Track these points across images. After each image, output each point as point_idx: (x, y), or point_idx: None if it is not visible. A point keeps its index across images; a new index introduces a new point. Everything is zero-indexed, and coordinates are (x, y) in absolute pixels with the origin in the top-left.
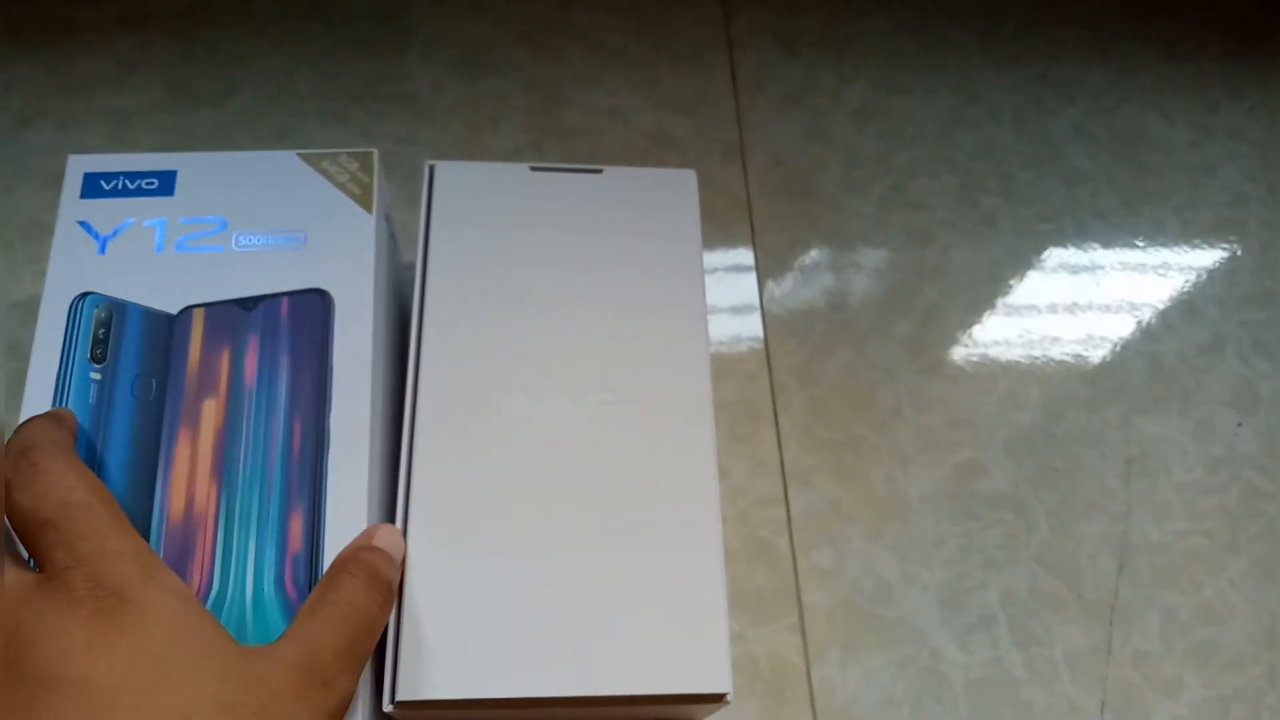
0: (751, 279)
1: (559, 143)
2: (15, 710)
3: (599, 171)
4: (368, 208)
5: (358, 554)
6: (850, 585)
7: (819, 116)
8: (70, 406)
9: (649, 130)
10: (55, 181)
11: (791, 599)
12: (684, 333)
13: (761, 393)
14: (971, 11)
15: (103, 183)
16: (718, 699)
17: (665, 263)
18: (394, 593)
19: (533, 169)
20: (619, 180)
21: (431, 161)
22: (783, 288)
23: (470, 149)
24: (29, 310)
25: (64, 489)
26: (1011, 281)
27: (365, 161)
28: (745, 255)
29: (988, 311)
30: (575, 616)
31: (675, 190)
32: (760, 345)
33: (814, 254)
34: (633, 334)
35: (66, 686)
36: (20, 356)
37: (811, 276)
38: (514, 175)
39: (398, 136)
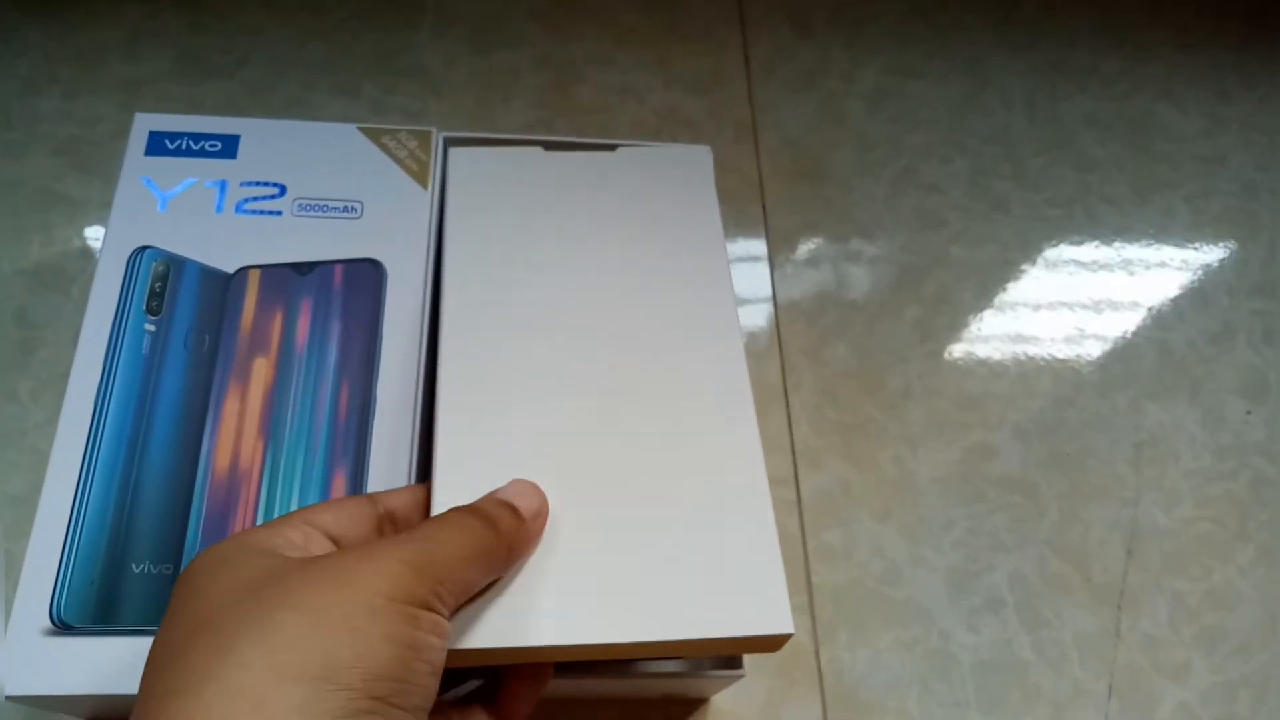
0: (763, 260)
1: (571, 119)
2: None
3: (612, 148)
4: (424, 184)
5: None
6: (859, 566)
7: (832, 98)
8: (123, 355)
9: (661, 109)
10: (63, 149)
11: (801, 579)
12: (714, 309)
13: (772, 373)
14: None
15: (167, 141)
16: (780, 641)
17: (688, 241)
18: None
19: (546, 148)
20: (634, 157)
21: (444, 132)
22: (794, 269)
23: (481, 124)
24: (36, 278)
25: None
26: (1022, 266)
27: (424, 139)
28: (757, 235)
29: (998, 295)
30: (625, 562)
31: (690, 166)
32: (771, 325)
33: (825, 235)
34: (662, 317)
35: None
36: (29, 325)
37: (822, 258)
38: (528, 157)
39: (409, 111)
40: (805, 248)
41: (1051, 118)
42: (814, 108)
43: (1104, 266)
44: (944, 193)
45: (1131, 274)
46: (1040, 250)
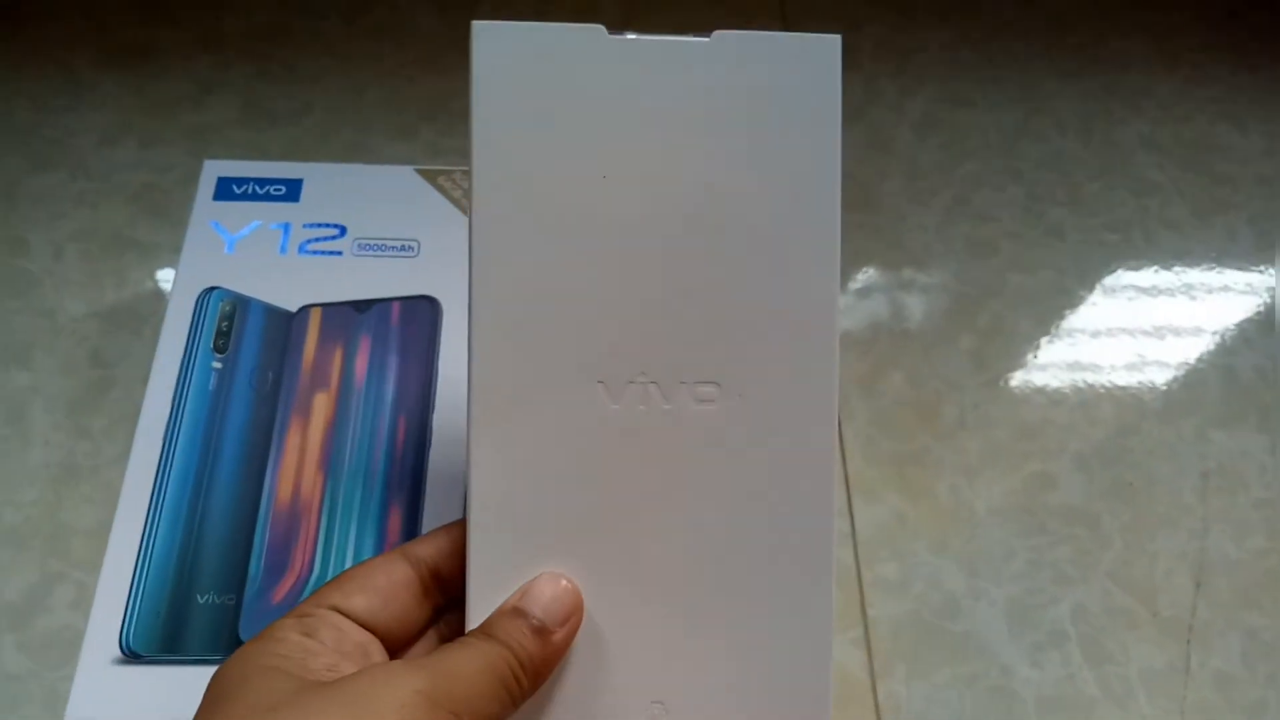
0: None
1: None
2: None
3: (705, 38)
4: None
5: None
6: (916, 599)
7: (881, 128)
8: (191, 392)
9: None
10: (138, 196)
11: (856, 612)
12: (807, 295)
13: None
14: (1034, 23)
15: (234, 187)
16: None
17: (788, 183)
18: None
19: (611, 33)
20: (730, 52)
21: (477, 21)
22: (846, 299)
23: None
24: (110, 320)
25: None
26: (1080, 293)
27: None
28: None
29: (1055, 323)
30: (664, 674)
31: (806, 67)
32: None
33: (878, 265)
34: (739, 295)
35: None
36: (103, 364)
37: (875, 288)
38: (587, 40)
39: (464, 152)
40: (858, 277)
41: (1106, 142)
42: (863, 138)
43: (1165, 291)
44: (997, 220)
45: (1194, 298)
46: (1099, 276)
